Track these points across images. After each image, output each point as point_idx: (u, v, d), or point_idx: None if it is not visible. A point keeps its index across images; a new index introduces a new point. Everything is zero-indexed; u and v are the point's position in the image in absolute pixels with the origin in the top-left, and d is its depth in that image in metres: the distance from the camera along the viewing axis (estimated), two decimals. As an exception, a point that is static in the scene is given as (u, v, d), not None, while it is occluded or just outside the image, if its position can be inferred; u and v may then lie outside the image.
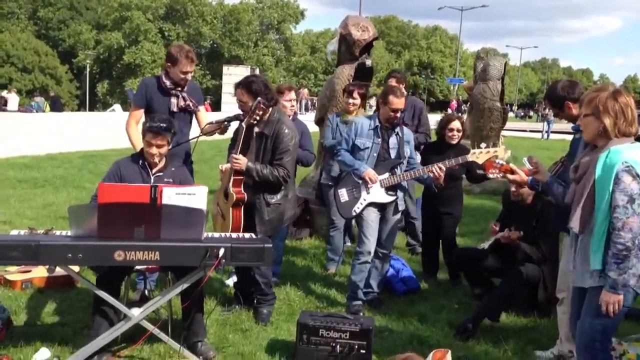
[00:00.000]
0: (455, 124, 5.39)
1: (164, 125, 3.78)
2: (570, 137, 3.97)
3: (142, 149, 3.97)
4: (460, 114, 10.91)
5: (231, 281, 5.17)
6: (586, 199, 2.82)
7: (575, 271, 3.00)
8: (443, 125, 5.45)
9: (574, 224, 2.89)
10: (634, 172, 2.71)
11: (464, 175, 5.51)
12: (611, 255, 2.73)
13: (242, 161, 4.14)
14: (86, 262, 3.38)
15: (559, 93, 3.83)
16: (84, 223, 3.26)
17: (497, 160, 3.83)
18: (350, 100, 5.70)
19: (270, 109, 4.26)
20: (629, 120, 2.80)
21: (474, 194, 9.91)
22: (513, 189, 4.69)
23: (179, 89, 4.63)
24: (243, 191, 4.19)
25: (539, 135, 27.12)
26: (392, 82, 5.80)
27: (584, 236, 2.89)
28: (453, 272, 5.43)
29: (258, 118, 4.13)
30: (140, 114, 4.67)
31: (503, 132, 15.99)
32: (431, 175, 4.59)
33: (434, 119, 7.01)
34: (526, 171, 3.51)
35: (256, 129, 4.24)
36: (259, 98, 4.13)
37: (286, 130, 4.23)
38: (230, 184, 4.16)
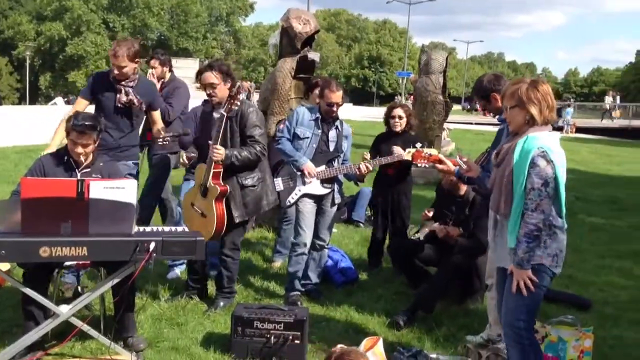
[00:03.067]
0: (397, 111, 5.49)
1: (89, 123, 3.64)
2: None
3: (66, 145, 3.80)
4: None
5: (173, 274, 5.14)
6: (507, 183, 2.96)
7: (497, 252, 3.16)
8: (387, 114, 5.57)
9: (499, 207, 3.02)
10: (548, 157, 2.87)
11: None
12: (523, 234, 2.89)
13: (222, 151, 4.12)
14: (10, 258, 3.28)
15: (485, 85, 3.99)
16: (7, 219, 3.18)
17: (425, 151, 3.93)
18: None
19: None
20: (551, 107, 2.97)
21: (418, 185, 10.07)
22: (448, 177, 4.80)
23: (122, 82, 4.55)
24: (223, 183, 4.19)
25: (484, 128, 27.60)
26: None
27: (504, 218, 3.03)
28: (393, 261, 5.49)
29: (239, 103, 4.14)
30: (83, 107, 4.58)
31: (448, 125, 16.42)
32: (358, 171, 4.68)
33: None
34: (455, 162, 3.62)
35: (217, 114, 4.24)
36: (238, 82, 4.19)
37: (250, 108, 4.28)
38: (210, 177, 4.14)
